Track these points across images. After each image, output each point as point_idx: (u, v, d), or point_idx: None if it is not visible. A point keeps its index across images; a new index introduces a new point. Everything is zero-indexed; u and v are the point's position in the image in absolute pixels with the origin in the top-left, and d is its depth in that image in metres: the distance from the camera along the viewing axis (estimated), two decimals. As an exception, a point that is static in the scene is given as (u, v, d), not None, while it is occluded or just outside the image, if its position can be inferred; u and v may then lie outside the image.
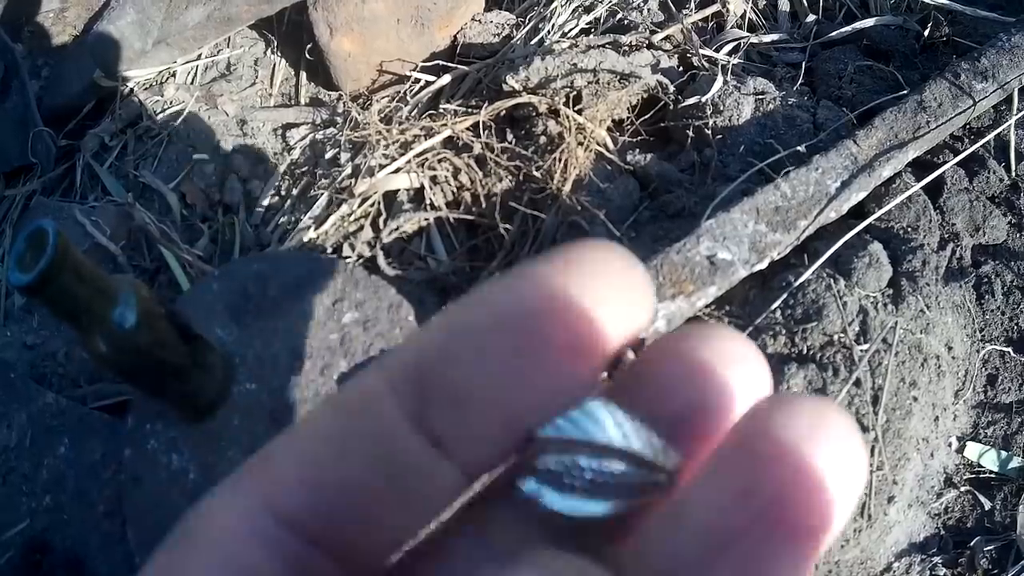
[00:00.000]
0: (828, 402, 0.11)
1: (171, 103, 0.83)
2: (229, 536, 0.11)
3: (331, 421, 0.11)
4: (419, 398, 0.11)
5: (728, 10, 0.81)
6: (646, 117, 0.72)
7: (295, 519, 0.11)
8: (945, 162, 0.67)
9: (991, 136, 0.69)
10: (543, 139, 0.69)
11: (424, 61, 0.80)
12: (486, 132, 0.70)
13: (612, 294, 0.11)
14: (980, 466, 0.60)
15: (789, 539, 0.10)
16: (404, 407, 0.11)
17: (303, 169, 0.78)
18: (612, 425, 0.11)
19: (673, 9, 0.80)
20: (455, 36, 0.81)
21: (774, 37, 0.81)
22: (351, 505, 0.11)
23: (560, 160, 0.65)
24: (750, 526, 0.10)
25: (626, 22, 0.79)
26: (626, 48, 0.73)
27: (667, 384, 0.12)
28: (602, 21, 0.80)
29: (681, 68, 0.76)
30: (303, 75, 0.85)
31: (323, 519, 0.11)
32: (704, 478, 0.11)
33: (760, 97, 0.71)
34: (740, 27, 0.81)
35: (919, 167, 0.67)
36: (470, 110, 0.72)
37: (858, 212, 0.62)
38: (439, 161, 0.69)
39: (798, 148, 0.65)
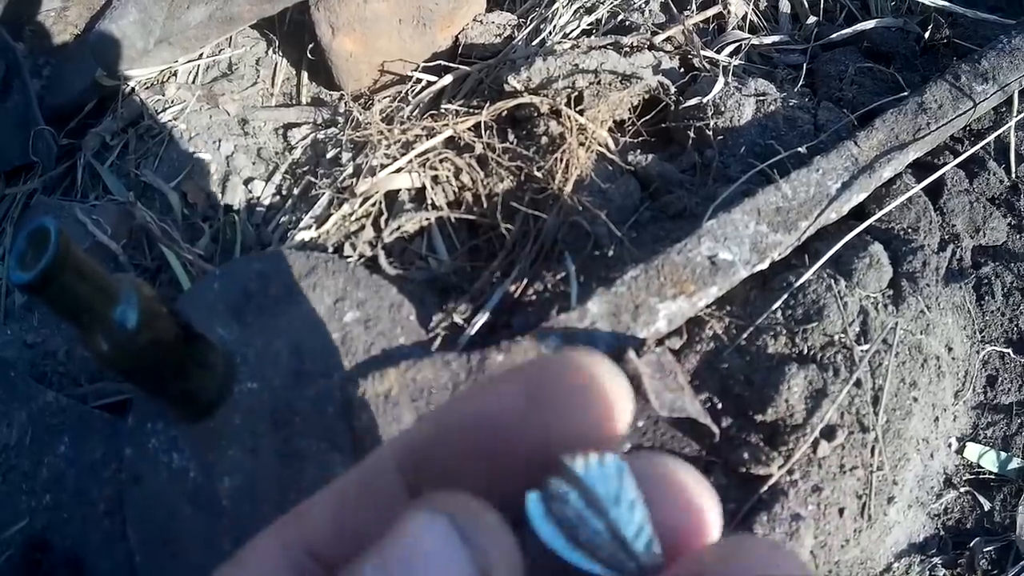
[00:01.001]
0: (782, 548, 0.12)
1: (172, 102, 0.83)
2: (269, 562, 0.14)
3: (354, 484, 0.15)
4: (415, 477, 0.14)
5: (729, 11, 0.81)
6: (647, 118, 0.72)
7: (324, 556, 0.14)
8: (945, 163, 0.67)
9: (991, 138, 0.69)
10: (544, 139, 0.69)
11: (426, 61, 0.81)
12: (487, 132, 0.70)
13: (585, 409, 0.13)
14: (980, 467, 0.60)
15: None
16: (406, 481, 0.14)
17: (304, 168, 0.78)
18: (615, 488, 0.12)
19: (674, 10, 0.81)
20: (457, 36, 0.81)
21: (775, 39, 0.81)
22: (362, 547, 0.13)
23: (561, 160, 0.65)
24: None
25: (627, 23, 0.79)
26: (627, 49, 0.73)
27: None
28: (603, 22, 0.80)
29: (682, 69, 0.76)
30: (305, 75, 0.86)
31: (345, 559, 0.13)
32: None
33: (761, 98, 0.71)
34: (741, 28, 0.81)
35: (919, 168, 0.67)
36: (471, 110, 0.73)
37: (859, 213, 0.62)
38: (440, 161, 0.69)
39: (799, 149, 0.65)
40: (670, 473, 0.13)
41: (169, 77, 0.85)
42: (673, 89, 0.72)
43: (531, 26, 0.79)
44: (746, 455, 0.50)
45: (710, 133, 0.69)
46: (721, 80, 0.70)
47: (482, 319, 0.59)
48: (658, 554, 0.12)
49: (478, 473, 0.13)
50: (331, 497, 0.14)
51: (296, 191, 0.76)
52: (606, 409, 0.13)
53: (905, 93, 0.70)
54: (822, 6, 0.85)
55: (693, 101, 0.70)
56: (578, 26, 0.79)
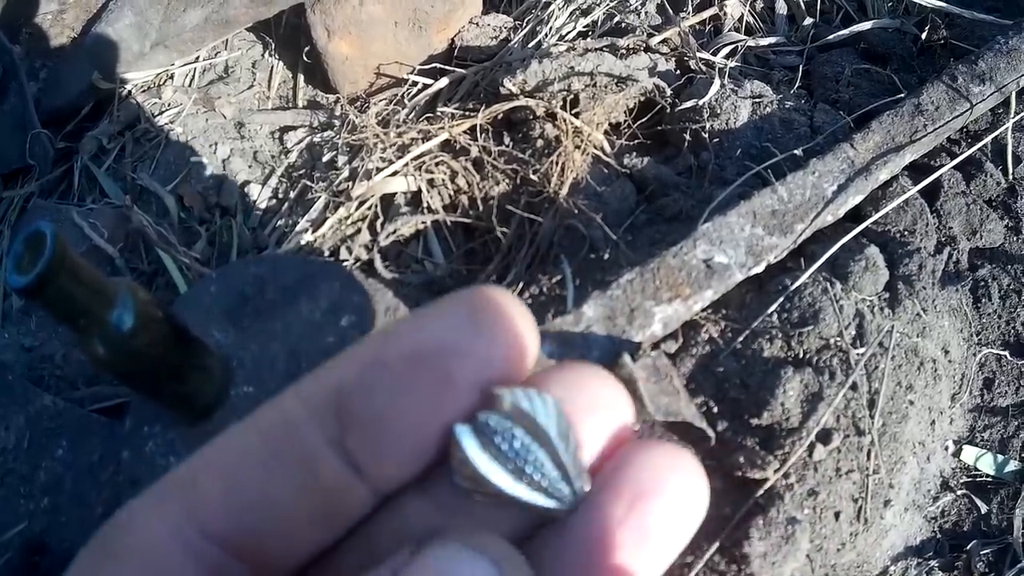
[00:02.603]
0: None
1: (169, 105, 0.83)
2: (156, 545, 0.12)
3: (253, 442, 0.12)
4: (338, 425, 0.12)
5: (725, 13, 0.81)
6: (643, 120, 0.72)
7: (219, 533, 0.12)
8: (942, 165, 0.67)
9: (988, 139, 0.69)
10: (540, 142, 0.69)
11: (421, 64, 0.81)
12: (483, 135, 0.70)
13: (502, 334, 0.13)
14: (976, 470, 0.60)
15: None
16: (324, 432, 0.12)
17: (300, 172, 0.78)
18: (559, 420, 0.12)
19: (670, 12, 0.80)
20: (452, 39, 0.81)
21: (771, 40, 0.81)
22: (272, 521, 0.12)
23: (557, 163, 0.65)
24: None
25: (623, 25, 0.79)
26: (623, 51, 0.73)
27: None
28: (599, 24, 0.80)
29: (678, 71, 0.76)
30: (301, 78, 0.86)
31: (245, 534, 0.12)
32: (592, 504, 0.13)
33: (757, 100, 0.71)
34: (737, 30, 0.81)
35: (916, 170, 0.67)
36: (467, 113, 0.73)
37: (855, 215, 0.62)
38: (436, 164, 0.69)
39: (795, 151, 0.65)
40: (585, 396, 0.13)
41: (165, 80, 0.85)
42: (669, 91, 0.72)
43: (527, 28, 0.79)
44: (742, 459, 0.50)
45: (706, 135, 0.69)
46: (717, 82, 0.69)
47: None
48: (587, 480, 0.13)
49: (417, 406, 0.12)
50: (224, 458, 0.12)
51: (292, 194, 0.76)
52: (527, 339, 0.13)
53: (902, 95, 0.70)
54: (818, 7, 0.85)
55: (689, 103, 0.70)
56: (574, 28, 0.79)
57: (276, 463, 0.12)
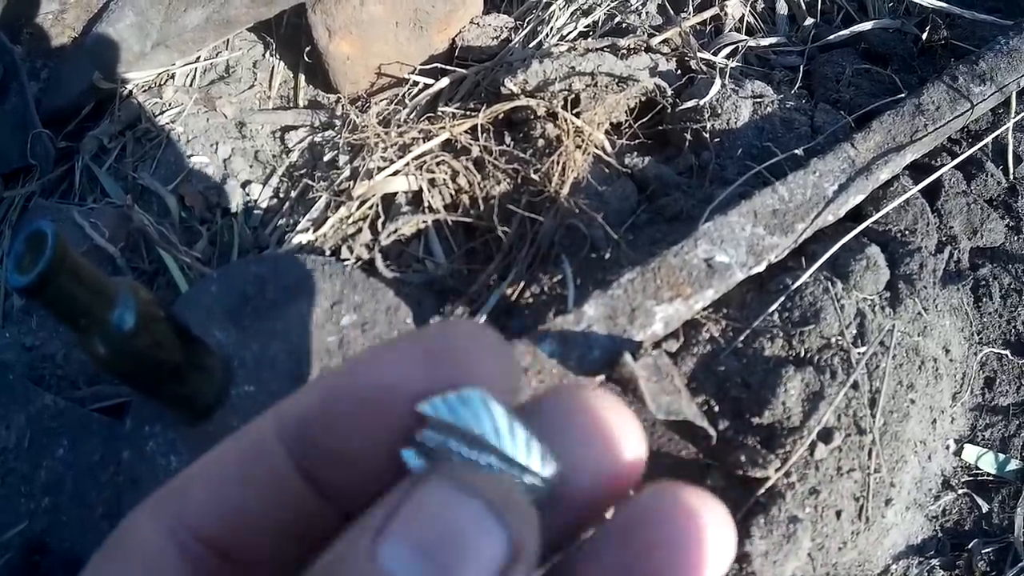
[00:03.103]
0: (706, 495, 0.12)
1: (170, 105, 0.83)
2: (152, 546, 0.13)
3: (233, 459, 0.13)
4: (303, 451, 0.13)
5: (726, 13, 0.81)
6: (644, 120, 0.72)
7: (206, 536, 0.13)
8: (943, 165, 0.67)
9: (989, 139, 0.69)
10: (541, 142, 0.69)
11: (422, 64, 0.81)
12: (484, 135, 0.70)
13: (469, 367, 0.12)
14: (978, 469, 0.60)
15: None
16: (292, 455, 0.13)
17: (301, 171, 0.78)
18: (487, 419, 0.12)
19: (671, 12, 0.81)
20: (453, 39, 0.81)
21: (772, 40, 0.81)
22: (250, 531, 0.13)
23: (558, 163, 0.65)
24: None
25: (624, 25, 0.79)
26: (624, 51, 0.73)
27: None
28: (600, 24, 0.80)
29: (679, 71, 0.76)
30: (302, 78, 0.86)
31: (230, 541, 0.13)
32: (593, 546, 0.12)
33: (758, 100, 0.71)
34: (738, 30, 0.81)
35: (917, 170, 0.67)
36: (468, 113, 0.73)
37: (856, 215, 0.62)
38: (437, 164, 0.69)
39: (796, 151, 0.65)
40: (575, 407, 0.13)
41: (166, 80, 0.85)
42: (670, 91, 0.72)
43: (528, 28, 0.79)
44: (743, 458, 0.50)
45: (707, 135, 0.69)
46: (718, 82, 0.70)
47: (479, 321, 0.59)
48: (554, 462, 0.12)
49: (371, 441, 0.12)
50: (209, 471, 0.13)
51: (293, 194, 0.76)
52: (495, 376, 0.13)
53: (902, 95, 0.70)
54: (819, 8, 0.85)
55: (690, 103, 0.70)
56: (575, 28, 0.79)
57: (250, 480, 0.13)
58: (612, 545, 0.12)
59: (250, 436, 0.13)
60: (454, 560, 0.10)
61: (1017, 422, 0.61)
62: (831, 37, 0.80)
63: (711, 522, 0.12)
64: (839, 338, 0.54)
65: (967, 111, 0.66)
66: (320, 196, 0.73)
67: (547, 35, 0.78)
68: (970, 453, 0.60)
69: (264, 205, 0.77)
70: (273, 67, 0.87)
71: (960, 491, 0.59)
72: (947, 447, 0.60)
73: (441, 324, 0.13)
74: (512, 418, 0.12)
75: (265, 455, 0.13)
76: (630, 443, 0.13)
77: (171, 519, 0.13)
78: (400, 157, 0.70)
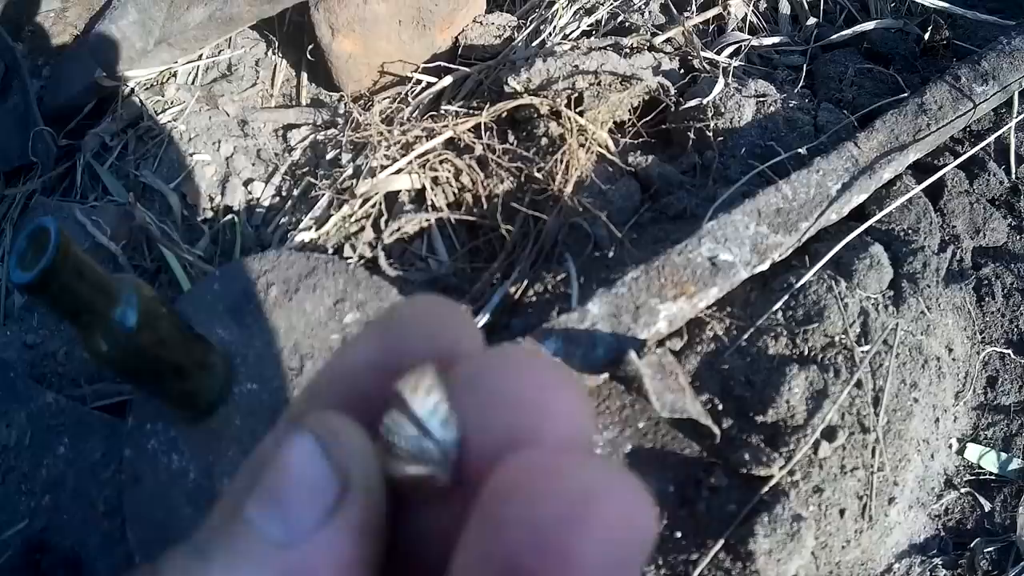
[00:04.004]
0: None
1: (172, 103, 0.83)
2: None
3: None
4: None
5: (729, 13, 0.81)
6: (647, 119, 0.72)
7: None
8: (945, 165, 0.67)
9: (991, 139, 0.69)
10: (544, 140, 0.69)
11: (425, 62, 0.80)
12: (487, 133, 0.70)
13: (420, 338, 0.13)
14: (980, 468, 0.60)
15: None
16: None
17: (304, 170, 0.78)
18: (423, 392, 0.13)
19: (674, 11, 0.81)
20: (456, 37, 0.81)
21: (775, 40, 0.81)
22: None
23: (561, 161, 0.65)
24: None
25: (627, 24, 0.79)
26: (627, 50, 0.73)
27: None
28: (603, 23, 0.80)
29: (682, 70, 0.76)
30: (304, 76, 0.85)
31: None
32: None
33: (761, 99, 0.71)
34: (741, 30, 0.81)
35: (920, 169, 0.67)
36: (471, 111, 0.73)
37: (859, 214, 0.62)
38: (440, 162, 0.69)
39: (799, 150, 0.65)
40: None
41: (169, 78, 0.85)
42: (673, 90, 0.72)
43: (531, 27, 0.79)
44: (747, 456, 0.50)
45: (710, 134, 0.69)
46: (721, 81, 0.70)
47: (482, 320, 0.59)
48: (455, 429, 0.13)
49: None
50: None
51: (296, 192, 0.76)
52: (446, 341, 0.13)
53: (905, 94, 0.70)
54: (822, 7, 0.85)
55: (693, 102, 0.70)
56: (578, 27, 0.79)
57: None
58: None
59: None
60: (285, 493, 0.12)
61: (1019, 421, 0.61)
62: (834, 37, 0.80)
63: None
64: (843, 337, 0.54)
65: (969, 111, 0.66)
66: (323, 194, 0.72)
67: (550, 34, 0.78)
68: (972, 452, 0.60)
69: (266, 203, 0.77)
70: (275, 65, 0.87)
71: (963, 490, 0.59)
72: (950, 446, 0.60)
73: (393, 303, 0.14)
74: (440, 391, 0.13)
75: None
76: (546, 405, 0.13)
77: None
78: (403, 155, 0.70)
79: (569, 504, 0.10)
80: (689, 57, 0.76)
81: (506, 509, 0.11)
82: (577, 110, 0.69)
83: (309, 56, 0.82)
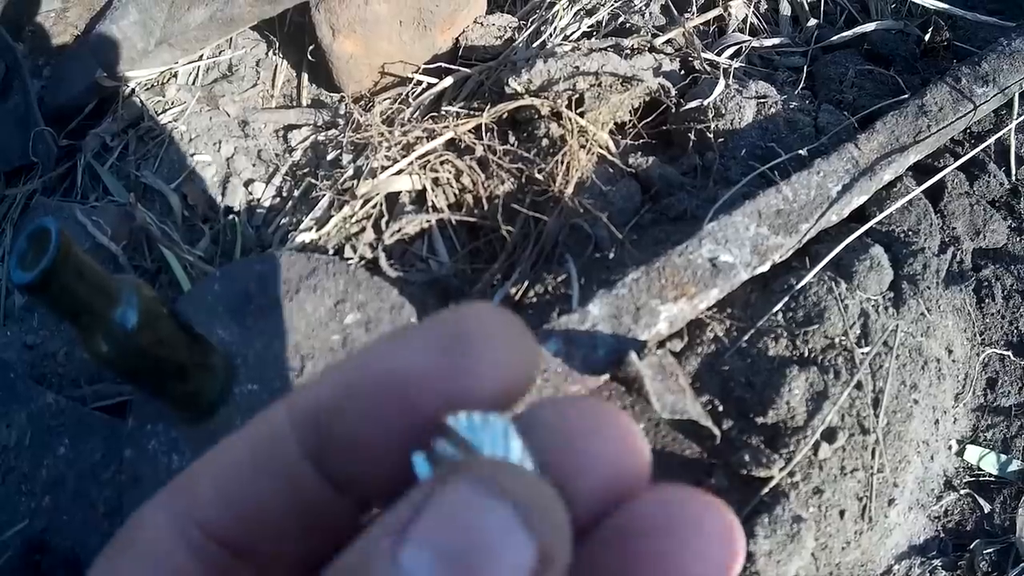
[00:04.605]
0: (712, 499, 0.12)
1: (173, 103, 0.83)
2: (162, 543, 0.12)
3: (244, 450, 0.13)
4: (316, 442, 0.12)
5: (730, 14, 0.81)
6: (648, 120, 0.72)
7: (216, 531, 0.13)
8: (946, 166, 0.67)
9: (992, 140, 0.69)
10: (545, 141, 0.69)
11: (426, 63, 0.81)
12: (488, 134, 0.70)
13: (494, 359, 0.12)
14: (980, 469, 0.60)
15: None
16: (305, 446, 0.13)
17: (305, 170, 0.78)
18: (501, 446, 0.12)
19: (675, 13, 0.81)
20: (457, 38, 0.81)
21: (775, 41, 0.81)
22: (262, 526, 0.13)
23: (562, 163, 0.65)
24: None
25: (628, 25, 0.79)
26: (628, 51, 0.73)
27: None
28: (604, 24, 0.80)
29: (683, 71, 0.76)
30: (305, 76, 0.86)
31: (240, 536, 0.13)
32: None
33: (762, 101, 0.71)
34: (742, 31, 0.81)
35: (920, 171, 0.67)
36: (472, 112, 0.73)
37: (859, 215, 0.62)
38: (441, 163, 0.69)
39: (800, 152, 0.65)
40: (580, 422, 0.12)
41: (169, 78, 0.85)
42: (674, 91, 0.72)
43: (532, 28, 0.79)
44: (747, 457, 0.50)
45: (711, 135, 0.69)
46: (722, 82, 0.70)
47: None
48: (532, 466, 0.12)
49: (387, 432, 0.12)
50: (218, 463, 0.13)
51: (296, 193, 0.76)
52: (516, 364, 0.12)
53: (905, 96, 0.70)
54: (822, 8, 0.85)
55: (694, 103, 0.70)
56: (579, 28, 0.79)
57: (262, 472, 0.13)
58: (612, 553, 0.11)
59: (261, 427, 0.13)
60: (479, 568, 0.10)
61: (1019, 423, 0.61)
62: (834, 38, 0.80)
63: (717, 528, 0.11)
64: (843, 338, 0.54)
65: (970, 112, 0.66)
66: (323, 195, 0.72)
67: (551, 35, 0.78)
68: (972, 454, 0.60)
69: (267, 204, 0.77)
70: (276, 66, 0.87)
71: (962, 491, 0.59)
72: (949, 447, 0.60)
73: (457, 309, 0.13)
74: (526, 455, 0.12)
75: (277, 445, 0.13)
76: (630, 450, 0.12)
77: (180, 515, 0.13)
78: (404, 156, 0.70)
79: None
80: (690, 58, 0.76)
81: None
82: (578, 111, 0.69)
83: (310, 57, 0.82)
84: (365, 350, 0.13)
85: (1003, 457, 0.60)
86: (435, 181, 0.69)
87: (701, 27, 0.81)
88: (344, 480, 0.13)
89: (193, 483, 0.13)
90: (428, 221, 0.69)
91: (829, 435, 0.51)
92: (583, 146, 0.67)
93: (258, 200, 0.77)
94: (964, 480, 0.60)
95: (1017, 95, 0.70)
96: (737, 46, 0.79)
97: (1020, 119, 0.70)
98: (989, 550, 0.57)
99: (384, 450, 0.12)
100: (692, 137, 0.70)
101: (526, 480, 0.11)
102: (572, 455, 0.12)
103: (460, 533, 0.10)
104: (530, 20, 0.81)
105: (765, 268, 0.56)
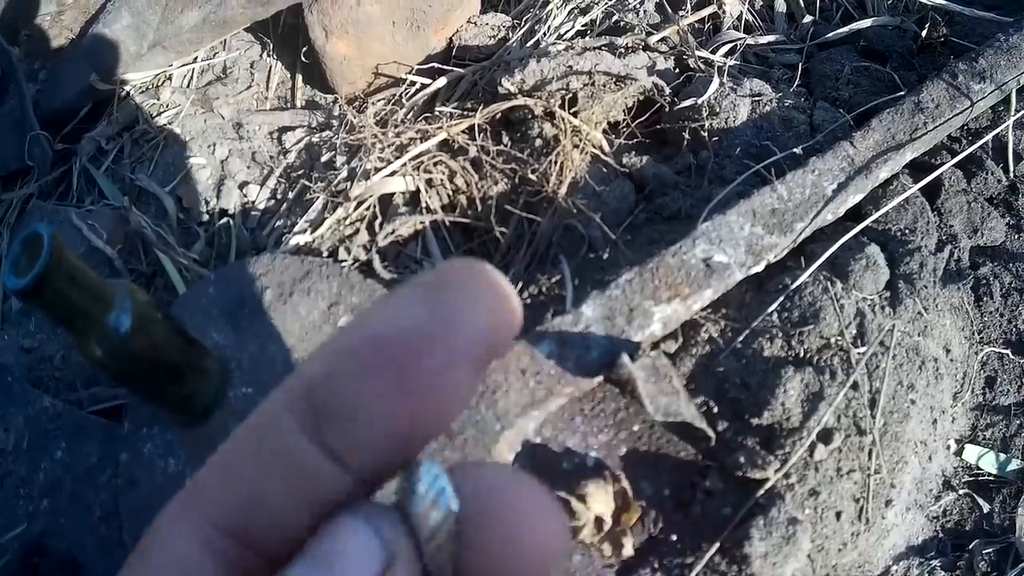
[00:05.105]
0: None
1: (167, 106, 0.83)
2: (180, 550, 0.13)
3: (244, 440, 0.13)
4: (312, 415, 0.13)
5: (724, 11, 0.81)
6: (642, 119, 0.72)
7: (231, 529, 0.13)
8: (943, 163, 0.67)
9: (989, 137, 0.68)
10: (539, 142, 0.69)
11: (420, 64, 0.80)
12: (482, 135, 0.70)
13: (467, 312, 0.13)
14: (979, 469, 0.60)
15: None
16: (300, 423, 0.13)
17: (299, 172, 0.78)
18: (436, 530, 0.13)
19: (669, 11, 0.80)
20: (451, 38, 0.81)
21: (771, 38, 0.80)
22: (266, 511, 0.13)
23: (556, 163, 0.65)
24: None
25: (622, 24, 0.79)
26: (622, 50, 0.73)
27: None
28: (598, 23, 0.80)
29: (677, 70, 0.75)
30: (299, 78, 0.85)
31: (247, 526, 0.13)
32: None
33: (756, 99, 0.71)
34: (736, 28, 0.81)
35: (916, 169, 0.66)
36: (466, 113, 0.72)
37: (855, 214, 0.62)
38: (435, 164, 0.69)
39: (795, 150, 0.65)
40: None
41: (164, 81, 0.85)
42: (668, 90, 0.72)
43: (525, 27, 0.79)
44: (742, 459, 0.50)
45: (705, 134, 0.69)
46: (716, 81, 0.69)
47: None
48: (457, 503, 0.13)
49: (383, 395, 0.12)
50: (223, 459, 0.13)
51: (291, 195, 0.76)
52: (498, 316, 0.13)
53: (902, 92, 0.70)
54: (818, 5, 0.84)
55: (688, 102, 0.70)
56: (572, 27, 0.79)
57: (261, 456, 0.13)
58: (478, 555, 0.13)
59: (259, 416, 0.13)
60: (338, 564, 0.12)
61: (1018, 422, 0.61)
62: (830, 35, 0.80)
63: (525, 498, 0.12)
64: (839, 338, 0.54)
65: (967, 109, 0.66)
66: (317, 197, 0.72)
67: (545, 34, 0.78)
68: (971, 453, 0.60)
69: (262, 206, 0.77)
70: (270, 68, 0.86)
71: (961, 491, 0.59)
72: (948, 447, 0.60)
73: (439, 266, 0.13)
74: (451, 493, 0.13)
75: (276, 430, 0.13)
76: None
77: (195, 519, 0.13)
78: (397, 157, 0.70)
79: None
80: (684, 56, 0.75)
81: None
82: (571, 111, 0.68)
83: (304, 58, 0.81)
84: (352, 320, 0.13)
85: (1002, 456, 0.60)
86: (429, 182, 0.69)
87: (696, 25, 0.81)
88: (343, 451, 0.13)
89: (203, 486, 0.13)
90: (422, 222, 0.69)
91: (825, 436, 0.51)
92: (577, 146, 0.66)
93: (252, 202, 0.77)
94: (963, 480, 0.59)
95: (1015, 91, 0.69)
96: (732, 44, 0.78)
97: (1018, 115, 0.69)
98: (988, 550, 0.57)
99: (378, 411, 0.12)
100: (686, 136, 0.70)
101: (393, 519, 0.13)
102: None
103: (325, 543, 0.12)
104: (524, 19, 0.81)
105: (760, 268, 0.56)
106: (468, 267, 0.13)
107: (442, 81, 0.78)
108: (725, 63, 0.74)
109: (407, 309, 0.13)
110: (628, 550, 0.47)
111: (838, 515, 0.51)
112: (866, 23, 0.79)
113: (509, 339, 0.13)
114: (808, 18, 0.83)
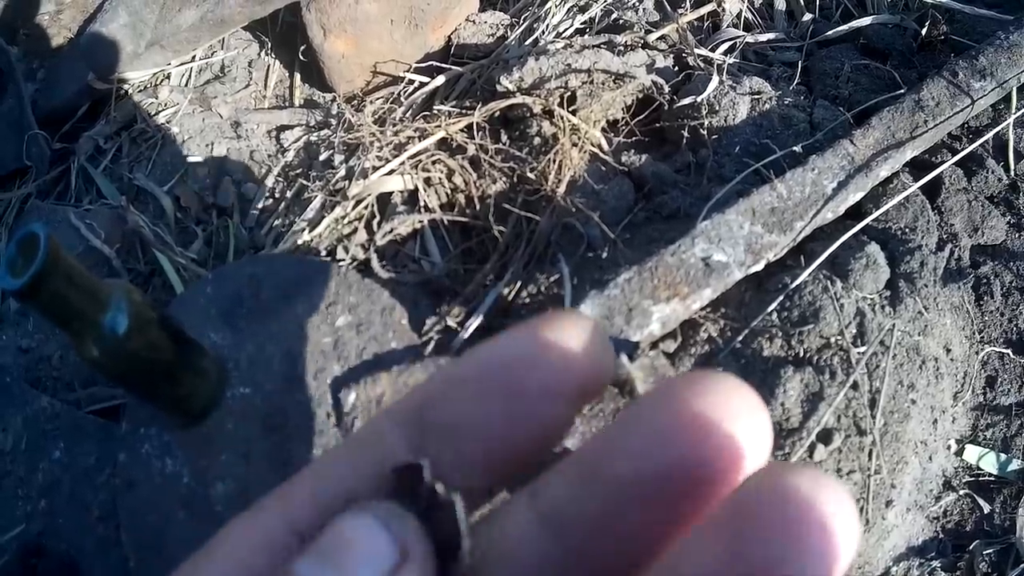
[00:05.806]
0: (823, 476, 0.12)
1: (165, 105, 0.83)
2: (244, 545, 0.14)
3: (344, 450, 0.15)
4: (418, 431, 0.14)
5: (724, 9, 0.81)
6: (641, 117, 0.72)
7: (310, 530, 0.14)
8: (943, 162, 0.66)
9: (990, 135, 0.68)
10: (537, 140, 0.69)
11: (418, 62, 0.80)
12: (480, 133, 0.70)
13: (571, 347, 0.14)
14: (979, 469, 0.60)
15: None
16: (406, 438, 0.14)
17: (297, 171, 0.78)
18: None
19: (668, 8, 0.80)
20: (449, 37, 0.81)
21: (770, 36, 0.80)
22: None
23: (554, 161, 0.65)
24: None
25: (621, 22, 0.79)
26: (621, 48, 0.72)
27: (666, 435, 0.12)
28: (597, 21, 0.80)
29: (676, 68, 0.75)
30: (297, 77, 0.85)
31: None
32: (698, 536, 0.12)
33: (756, 97, 0.71)
34: (736, 26, 0.81)
35: (917, 167, 0.66)
36: (464, 111, 0.72)
37: (855, 213, 0.62)
38: (433, 163, 0.69)
39: (794, 148, 0.64)
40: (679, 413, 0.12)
41: (162, 80, 0.85)
42: (667, 88, 0.71)
43: (524, 26, 0.79)
44: (741, 458, 0.49)
45: (704, 132, 0.69)
46: (715, 79, 0.69)
47: (476, 322, 0.58)
48: (468, 540, 0.14)
49: (488, 418, 0.14)
50: (316, 471, 0.15)
51: (289, 194, 0.76)
52: (598, 362, 0.14)
53: (902, 90, 0.70)
54: (818, 3, 0.84)
55: (687, 100, 0.69)
56: (571, 25, 0.79)
57: (360, 462, 0.14)
58: (720, 534, 0.12)
59: (367, 427, 0.15)
60: (349, 561, 0.12)
61: (1019, 422, 0.61)
62: (830, 33, 0.79)
63: (830, 504, 0.11)
64: (839, 338, 0.54)
65: (967, 107, 0.66)
66: (315, 196, 0.72)
67: (543, 32, 0.77)
68: (971, 453, 0.60)
69: (260, 205, 0.77)
70: (268, 66, 0.86)
71: (961, 492, 0.59)
72: (948, 447, 0.60)
73: (550, 313, 0.14)
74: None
75: (380, 441, 0.14)
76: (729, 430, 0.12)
77: (270, 515, 0.14)
78: (395, 156, 0.69)
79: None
80: (683, 54, 0.75)
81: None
82: (570, 109, 0.68)
83: (302, 57, 0.81)
84: (467, 352, 0.15)
85: (1003, 456, 0.60)
86: (427, 181, 0.69)
87: (695, 23, 0.81)
88: (445, 465, 0.14)
89: (290, 492, 0.14)
90: (420, 221, 0.69)
91: (825, 436, 0.51)
92: (575, 144, 0.66)
93: (251, 201, 0.77)
94: (963, 480, 0.59)
95: (1015, 89, 0.69)
96: (731, 41, 0.78)
97: (1018, 113, 0.69)
98: (989, 551, 0.56)
99: (486, 432, 0.14)
100: (685, 134, 0.69)
101: (386, 505, 0.13)
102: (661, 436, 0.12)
103: (335, 539, 0.13)
104: (523, 17, 0.80)
105: (759, 267, 0.56)
106: (572, 317, 0.14)
107: (440, 79, 0.78)
108: (724, 61, 0.74)
109: (517, 341, 0.14)
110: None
111: (838, 515, 0.51)
112: (866, 21, 0.79)
113: (602, 385, 0.14)
114: (808, 16, 0.83)
